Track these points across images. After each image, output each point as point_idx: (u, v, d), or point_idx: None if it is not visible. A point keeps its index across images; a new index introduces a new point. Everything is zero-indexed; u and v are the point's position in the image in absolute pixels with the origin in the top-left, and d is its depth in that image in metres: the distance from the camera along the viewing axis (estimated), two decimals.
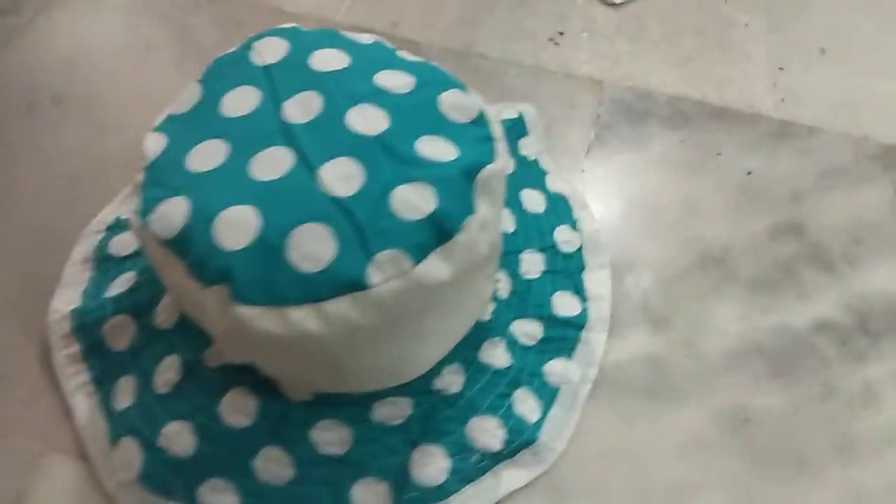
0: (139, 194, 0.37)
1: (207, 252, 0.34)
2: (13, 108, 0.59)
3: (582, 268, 0.50)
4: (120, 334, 0.44)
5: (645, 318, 0.49)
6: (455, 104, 0.39)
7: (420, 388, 0.42)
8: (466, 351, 0.43)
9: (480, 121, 0.39)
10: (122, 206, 0.52)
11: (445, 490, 0.40)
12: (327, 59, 0.41)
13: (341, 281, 0.33)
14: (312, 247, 0.33)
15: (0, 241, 0.51)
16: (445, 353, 0.41)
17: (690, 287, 0.51)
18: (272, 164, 0.36)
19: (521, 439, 0.42)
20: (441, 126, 0.38)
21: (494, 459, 0.42)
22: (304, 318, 0.33)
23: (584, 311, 0.48)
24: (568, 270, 0.49)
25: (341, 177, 0.35)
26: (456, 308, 0.39)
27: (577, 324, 0.47)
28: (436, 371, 0.42)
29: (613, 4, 0.69)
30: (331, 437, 0.41)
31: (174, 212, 0.35)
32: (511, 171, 0.53)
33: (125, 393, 0.43)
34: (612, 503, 0.42)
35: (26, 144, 0.57)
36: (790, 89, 0.63)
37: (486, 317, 0.44)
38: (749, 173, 0.57)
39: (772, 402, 0.46)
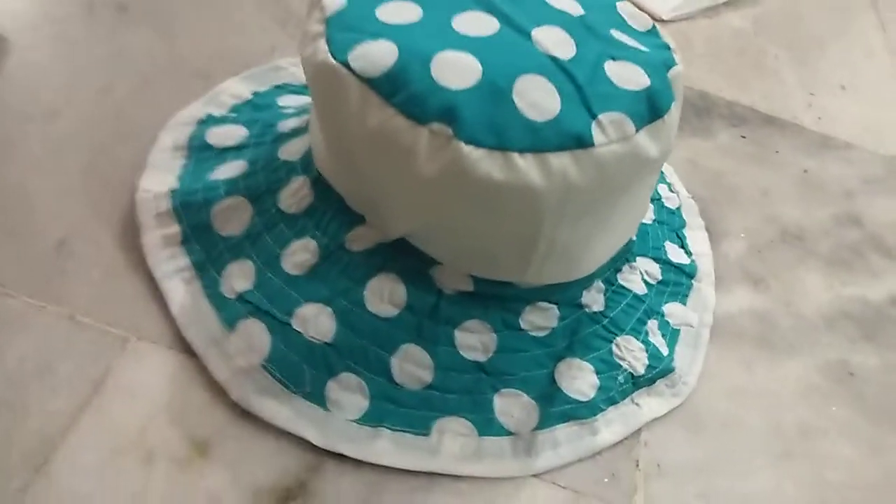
0: (326, 38, 0.34)
1: (427, 89, 0.31)
2: (75, 7, 0.53)
3: (683, 224, 0.50)
4: (233, 217, 0.39)
5: (745, 277, 0.50)
6: (631, 13, 0.40)
7: (568, 300, 0.39)
8: (609, 271, 0.41)
9: (655, 31, 0.40)
10: (210, 105, 0.47)
11: (593, 407, 0.38)
12: None
13: (569, 134, 0.31)
14: (539, 96, 0.32)
15: (66, 126, 0.45)
16: (612, 255, 0.40)
17: (779, 256, 0.52)
18: (477, 23, 0.35)
19: (660, 366, 0.40)
20: (625, 27, 0.38)
21: (635, 384, 0.40)
22: (528, 166, 0.31)
23: (692, 262, 0.48)
24: (672, 224, 0.49)
25: (555, 42, 0.34)
26: (636, 203, 0.38)
27: (689, 272, 0.47)
28: (584, 284, 0.40)
29: (662, 20, 0.73)
30: (475, 341, 0.37)
31: (380, 51, 0.32)
32: None
33: (240, 277, 0.37)
34: (748, 437, 0.41)
35: (90, 41, 0.51)
36: (823, 110, 0.68)
37: (636, 233, 0.43)
38: (805, 171, 0.61)
39: (869, 360, 0.47)
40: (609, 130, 0.32)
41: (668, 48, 0.38)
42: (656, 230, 0.47)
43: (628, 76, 0.34)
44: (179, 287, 0.38)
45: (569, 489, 0.36)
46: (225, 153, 0.43)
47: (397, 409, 0.36)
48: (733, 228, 0.53)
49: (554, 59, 0.33)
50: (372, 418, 0.35)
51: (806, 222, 0.56)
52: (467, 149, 0.30)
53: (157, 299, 0.38)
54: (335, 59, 0.33)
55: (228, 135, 0.44)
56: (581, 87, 0.33)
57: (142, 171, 0.42)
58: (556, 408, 0.37)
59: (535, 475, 0.36)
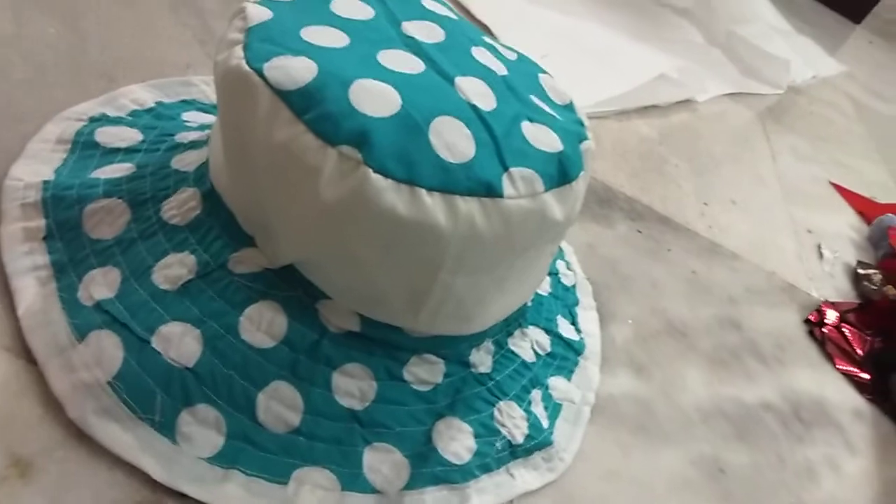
0: (245, 46, 0.32)
1: (342, 111, 0.30)
2: None
3: (576, 302, 0.50)
4: (107, 220, 0.36)
5: (628, 363, 0.50)
6: (551, 86, 0.41)
7: (456, 356, 0.38)
8: (501, 334, 0.41)
9: (572, 107, 0.40)
10: (108, 106, 0.44)
11: (467, 472, 0.36)
12: (437, 8, 0.40)
13: (479, 180, 0.31)
14: (455, 138, 0.31)
15: None
16: (505, 316, 0.39)
17: (662, 347, 0.53)
18: (403, 61, 0.34)
19: (539, 438, 0.39)
20: (544, 96, 0.39)
21: (512, 454, 0.38)
22: (435, 205, 0.30)
23: (581, 340, 0.48)
24: (566, 300, 0.49)
25: (477, 92, 0.34)
26: (535, 266, 0.37)
27: (577, 349, 0.47)
28: (474, 342, 0.39)
29: None
30: (353, 387, 0.35)
31: (299, 67, 0.31)
32: None
33: (102, 285, 0.34)
34: None
35: None
36: (714, 220, 0.72)
37: (529, 302, 0.42)
38: (693, 272, 0.63)
39: (740, 459, 0.48)
40: (519, 184, 0.32)
41: (582, 124, 0.39)
42: (551, 303, 0.47)
43: (543, 138, 0.34)
44: (31, 286, 0.33)
45: None
46: (113, 154, 0.40)
47: (255, 452, 0.32)
48: (622, 314, 0.54)
49: (474, 108, 0.33)
50: (225, 459, 0.32)
51: (690, 319, 0.57)
52: (375, 177, 0.29)
53: (3, 296, 0.33)
54: (250, 66, 0.31)
55: (120, 136, 0.41)
56: (496, 138, 0.32)
57: (16, 159, 0.38)
58: (428, 468, 0.35)
59: None
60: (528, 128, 0.34)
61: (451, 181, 0.30)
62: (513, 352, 0.41)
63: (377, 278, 0.33)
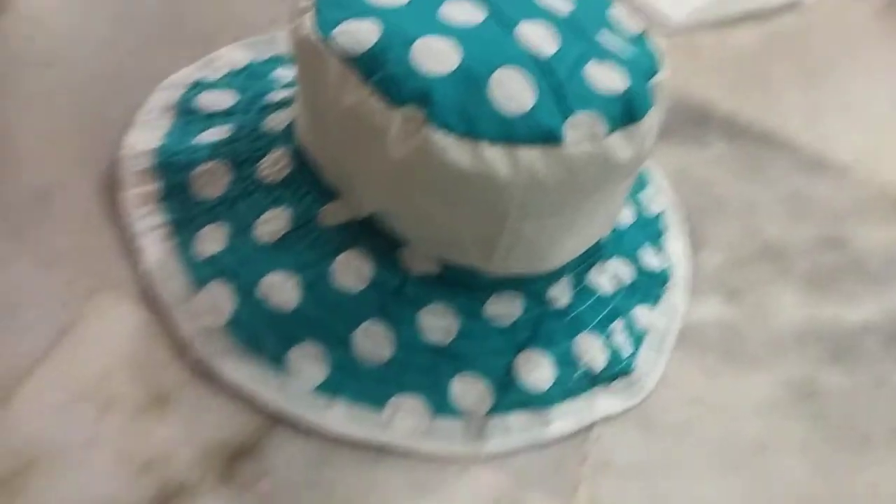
0: (314, 11, 0.34)
1: (404, 71, 0.32)
2: None
3: (663, 231, 0.50)
4: (211, 181, 0.40)
5: (718, 288, 0.50)
6: (622, 18, 0.40)
7: (534, 293, 0.40)
8: (577, 269, 0.42)
9: (644, 38, 0.40)
10: (205, 70, 0.48)
11: (548, 399, 0.38)
12: None
13: (539, 129, 0.32)
14: (515, 89, 0.32)
15: (60, 74, 0.46)
16: (580, 253, 0.40)
17: (756, 271, 0.52)
18: (463, 11, 0.35)
19: (620, 365, 0.41)
20: (616, 30, 0.39)
21: (593, 381, 0.40)
22: (495, 157, 0.31)
23: (667, 269, 0.48)
24: (651, 230, 0.50)
25: (539, 37, 0.35)
26: (607, 204, 0.38)
27: (663, 278, 0.47)
28: (551, 279, 0.41)
29: (670, 25, 0.73)
30: (438, 324, 0.38)
31: (364, 30, 0.33)
32: None
33: (213, 240, 0.38)
34: (698, 446, 0.41)
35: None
36: (823, 131, 0.68)
37: (608, 234, 0.43)
38: (795, 190, 0.61)
39: (834, 381, 0.47)
40: (581, 129, 0.33)
41: (655, 56, 0.39)
42: (634, 234, 0.48)
43: (607, 78, 0.34)
44: (153, 243, 0.38)
45: (512, 476, 0.37)
46: (212, 118, 0.44)
47: (354, 382, 0.36)
48: (714, 239, 0.53)
49: (534, 55, 0.34)
50: (329, 388, 0.36)
51: (788, 240, 0.56)
52: (437, 134, 0.31)
53: (129, 255, 0.38)
54: (319, 33, 0.33)
55: (218, 100, 0.45)
56: (558, 84, 0.33)
57: (129, 129, 0.43)
58: (510, 396, 0.38)
59: (484, 459, 0.37)
60: (592, 68, 0.34)
61: (512, 132, 0.32)
62: (590, 286, 0.42)
63: (448, 227, 0.35)
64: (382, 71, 0.32)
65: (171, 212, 0.39)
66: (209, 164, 0.40)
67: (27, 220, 0.39)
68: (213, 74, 0.48)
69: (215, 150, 0.41)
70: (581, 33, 0.36)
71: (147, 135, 0.42)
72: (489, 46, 0.33)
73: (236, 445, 0.34)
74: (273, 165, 0.40)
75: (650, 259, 0.48)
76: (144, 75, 0.47)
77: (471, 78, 0.32)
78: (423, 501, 0.35)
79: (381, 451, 0.35)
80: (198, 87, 0.46)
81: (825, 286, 0.53)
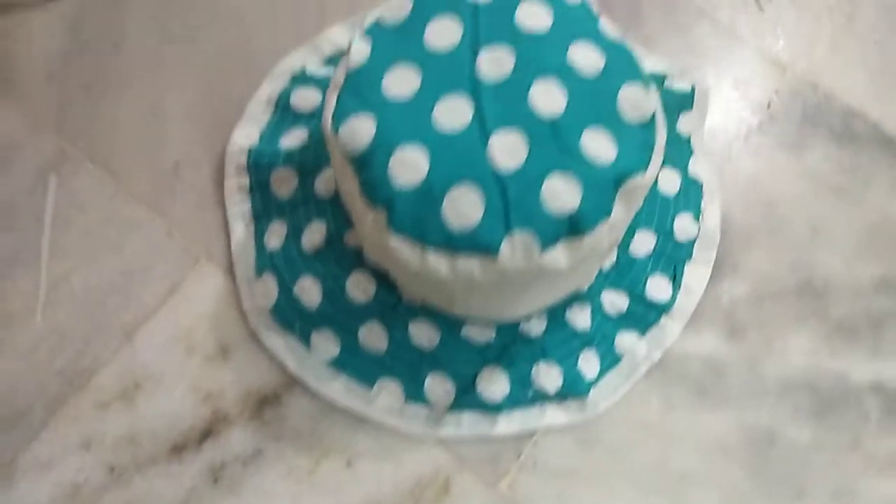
0: (337, 98, 0.42)
1: (380, 179, 0.39)
2: None
3: (688, 257, 0.53)
4: (284, 184, 0.52)
5: (725, 323, 0.53)
6: (633, 101, 0.41)
7: (507, 324, 0.48)
8: (556, 307, 0.49)
9: (649, 125, 0.42)
10: (312, 53, 0.56)
11: (497, 408, 0.49)
12: (532, 16, 0.43)
13: (478, 244, 0.39)
14: (464, 208, 0.39)
15: (200, 49, 0.58)
16: (543, 307, 0.47)
17: (779, 309, 0.54)
18: (453, 113, 0.40)
19: (573, 391, 0.49)
20: (611, 121, 0.41)
21: (545, 399, 0.49)
22: (439, 262, 0.39)
23: (673, 298, 0.52)
24: (674, 257, 0.53)
25: (507, 150, 0.39)
26: (562, 284, 0.44)
27: (662, 308, 0.52)
28: (526, 317, 0.48)
29: None
30: (423, 333, 0.49)
31: (362, 130, 0.40)
32: None
33: (276, 235, 0.51)
34: (627, 467, 0.49)
35: None
36: None
37: (585, 288, 0.49)
38: (886, 218, 0.57)
39: (801, 435, 0.51)
40: (517, 247, 0.39)
41: (650, 148, 0.41)
42: (646, 263, 0.52)
43: (561, 194, 0.39)
44: (240, 227, 0.52)
45: (455, 457, 0.49)
46: (300, 118, 0.54)
47: (356, 363, 0.49)
48: (747, 268, 0.55)
49: (496, 170, 0.39)
50: (338, 364, 0.49)
51: (839, 277, 0.55)
52: (394, 237, 0.39)
53: (225, 233, 0.53)
54: (332, 125, 0.41)
55: (307, 100, 0.54)
56: (507, 203, 0.39)
57: (239, 119, 0.55)
58: (468, 398, 0.49)
59: (437, 441, 0.49)
60: (549, 184, 0.39)
61: (454, 243, 0.39)
62: (565, 321, 0.49)
63: (416, 289, 0.44)
64: (366, 173, 0.40)
65: (256, 202, 0.52)
66: (283, 170, 0.52)
67: (162, 189, 0.54)
68: (318, 57, 0.57)
69: (289, 157, 0.52)
70: (558, 138, 0.40)
71: (249, 130, 0.54)
72: (458, 159, 0.39)
73: (266, 394, 0.49)
74: (325, 182, 0.50)
75: (657, 288, 0.52)
76: (266, 47, 0.57)
77: (430, 194, 0.39)
78: (384, 461, 0.49)
79: (363, 419, 0.49)
80: (297, 79, 0.55)
81: (854, 335, 0.54)
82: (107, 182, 0.53)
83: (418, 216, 0.39)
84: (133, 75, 0.57)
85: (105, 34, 0.58)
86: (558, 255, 0.39)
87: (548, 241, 0.39)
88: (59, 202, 0.53)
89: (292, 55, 0.57)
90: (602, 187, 0.39)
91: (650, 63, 0.58)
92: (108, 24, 0.58)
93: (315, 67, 0.56)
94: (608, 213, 0.40)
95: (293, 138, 0.53)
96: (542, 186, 0.39)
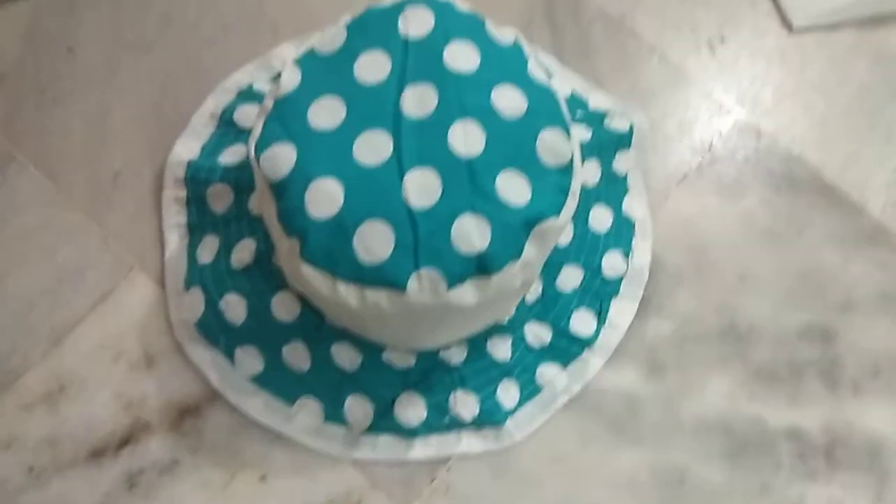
0: (263, 124, 0.43)
1: (295, 209, 0.40)
2: None
3: (615, 294, 0.54)
4: (220, 200, 0.52)
5: (647, 361, 0.54)
6: (551, 146, 0.42)
7: (428, 351, 0.49)
8: (476, 337, 0.50)
9: (566, 170, 0.43)
10: (260, 70, 0.57)
11: (413, 432, 0.50)
12: (459, 56, 0.43)
13: (385, 279, 0.40)
14: (374, 243, 0.40)
15: (153, 59, 0.58)
16: (458, 339, 0.48)
17: (701, 350, 0.55)
18: (373, 148, 0.41)
19: (489, 420, 0.50)
20: (528, 164, 0.42)
21: (461, 426, 0.50)
22: (348, 292, 0.40)
23: (597, 333, 0.53)
24: (600, 293, 0.54)
25: (422, 188, 0.40)
26: (475, 318, 0.45)
27: (585, 342, 0.53)
28: (445, 346, 0.49)
29: (790, 27, 0.66)
30: (345, 355, 0.50)
31: (283, 158, 0.41)
32: (593, 186, 0.55)
33: (209, 249, 0.52)
34: (539, 499, 0.50)
35: None
36: None
37: (505, 321, 0.50)
38: (817, 265, 0.58)
39: (712, 476, 0.52)
40: (424, 283, 0.40)
41: (565, 192, 0.42)
42: (572, 298, 0.53)
43: (470, 237, 0.40)
44: (175, 239, 0.53)
45: (369, 478, 0.50)
46: (241, 134, 0.55)
47: (279, 381, 0.50)
48: (673, 309, 0.56)
49: (410, 208, 0.40)
50: (261, 380, 0.50)
51: (764, 323, 0.56)
52: (306, 266, 0.40)
53: (159, 243, 0.53)
54: (257, 151, 0.42)
55: (250, 116, 0.55)
56: (419, 240, 0.39)
57: (182, 131, 0.55)
58: (385, 421, 0.49)
59: (352, 461, 0.50)
60: (461, 223, 0.40)
61: (363, 276, 0.40)
62: (485, 351, 0.50)
63: (332, 313, 0.45)
64: (284, 201, 0.41)
65: (191, 215, 0.53)
66: (219, 186, 0.52)
67: (101, 197, 0.54)
68: (266, 74, 0.57)
69: (227, 173, 0.52)
70: (476, 177, 0.40)
71: (190, 143, 0.55)
72: (373, 194, 0.40)
73: (187, 405, 0.50)
74: (256, 201, 0.51)
75: (581, 323, 0.53)
76: (216, 63, 0.58)
77: (342, 227, 0.39)
78: (298, 479, 0.50)
79: (281, 436, 0.50)
80: (243, 95, 0.56)
81: (774, 381, 0.55)
82: (47, 187, 0.54)
83: (330, 248, 0.40)
84: (85, 82, 0.58)
85: (60, 38, 0.59)
86: (465, 292, 0.40)
87: (455, 279, 0.40)
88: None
89: (241, 71, 0.58)
90: (513, 229, 0.40)
91: (595, 100, 0.59)
92: (64, 29, 0.59)
93: (262, 84, 0.57)
94: (517, 255, 0.41)
95: (233, 154, 0.54)
96: (453, 226, 0.40)
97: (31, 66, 0.58)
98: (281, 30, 0.60)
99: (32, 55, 0.58)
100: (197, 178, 0.53)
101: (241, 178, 0.52)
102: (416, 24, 0.44)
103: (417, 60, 0.43)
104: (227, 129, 0.55)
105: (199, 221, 0.53)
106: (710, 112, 0.62)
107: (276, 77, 0.57)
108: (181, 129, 0.56)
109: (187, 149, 0.55)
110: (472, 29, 0.45)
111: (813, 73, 0.65)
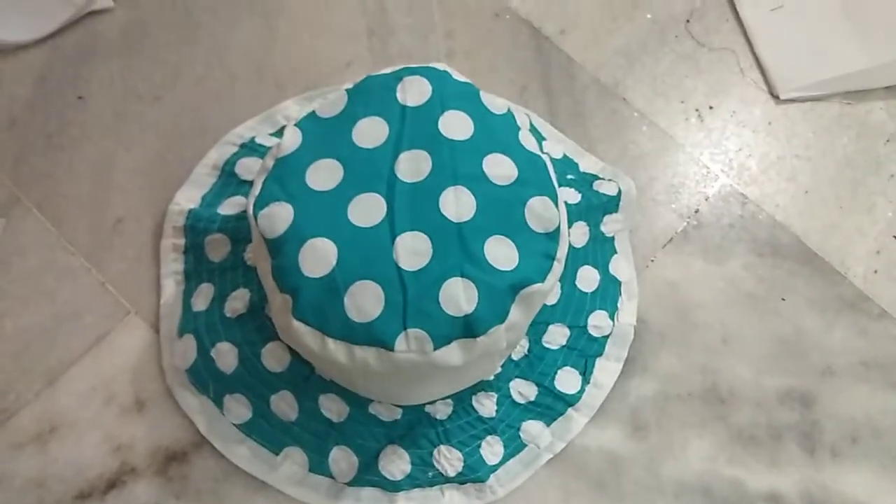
0: (262, 183, 0.44)
1: (290, 267, 0.42)
2: None
3: (600, 353, 0.56)
4: (217, 249, 0.54)
5: (630, 420, 0.55)
6: (539, 213, 0.44)
7: (413, 406, 0.50)
8: (462, 393, 0.51)
9: (553, 236, 0.44)
10: (263, 124, 0.59)
11: (397, 486, 0.50)
12: (454, 124, 0.46)
13: (374, 337, 0.41)
14: (364, 302, 0.41)
15: (160, 111, 0.61)
16: (444, 395, 0.49)
17: (683, 411, 0.56)
18: (367, 210, 0.43)
19: (473, 476, 0.51)
20: (516, 230, 0.44)
21: (445, 481, 0.51)
22: (337, 349, 0.41)
23: (581, 392, 0.54)
24: (585, 352, 0.55)
25: (412, 251, 0.42)
26: (461, 377, 0.46)
27: (569, 401, 0.54)
28: (430, 401, 0.50)
29: (777, 97, 0.68)
30: (332, 407, 0.50)
31: (280, 217, 0.43)
32: (581, 247, 0.57)
33: (204, 297, 0.53)
34: None
35: (213, 25, 0.64)
36: (889, 263, 0.63)
37: (491, 377, 0.51)
38: (799, 331, 0.60)
39: None
40: (412, 343, 0.41)
41: (552, 258, 0.44)
42: (557, 356, 0.54)
43: (458, 301, 0.41)
44: (170, 286, 0.54)
45: None
46: (241, 185, 0.56)
47: (266, 429, 0.51)
48: (658, 369, 0.57)
49: (400, 269, 0.41)
50: (248, 428, 0.51)
51: (746, 387, 0.57)
52: (297, 323, 0.41)
53: (156, 288, 0.55)
54: (255, 209, 0.44)
55: (250, 169, 0.57)
56: (408, 301, 0.41)
57: (183, 182, 0.57)
58: (369, 475, 0.50)
59: None
60: (450, 286, 0.41)
61: (352, 335, 0.41)
62: (471, 406, 0.51)
63: (322, 370, 0.46)
64: (279, 259, 0.42)
65: (188, 263, 0.54)
66: (217, 235, 0.54)
67: (102, 242, 0.56)
68: (270, 129, 0.59)
69: (225, 223, 0.54)
70: (463, 244, 0.42)
71: (191, 192, 0.56)
72: (365, 255, 0.42)
73: (175, 451, 0.51)
74: (252, 252, 0.52)
75: (566, 381, 0.54)
76: (220, 116, 0.60)
77: (333, 286, 0.41)
78: None
79: (266, 485, 0.51)
80: (245, 147, 0.58)
81: (754, 445, 0.56)
82: (49, 231, 0.55)
83: (321, 306, 0.41)
84: (93, 130, 0.60)
85: (71, 87, 0.61)
86: (451, 353, 0.41)
87: (441, 339, 0.41)
88: (2, 245, 0.55)
89: (245, 124, 0.60)
90: (499, 293, 0.42)
91: (585, 163, 0.61)
92: (76, 77, 0.61)
93: (264, 138, 0.59)
94: (503, 318, 0.42)
95: (232, 205, 0.55)
96: (441, 288, 0.41)
97: (41, 112, 0.60)
98: (286, 85, 0.62)
99: (43, 101, 0.60)
100: (196, 227, 0.55)
101: (239, 229, 0.54)
102: (414, 92, 0.46)
103: (414, 127, 0.45)
104: (229, 179, 0.57)
105: (196, 269, 0.54)
106: (697, 178, 0.64)
107: (278, 132, 0.59)
108: (184, 178, 0.58)
109: (188, 198, 0.56)
110: (467, 98, 0.47)
111: (798, 142, 0.67)
